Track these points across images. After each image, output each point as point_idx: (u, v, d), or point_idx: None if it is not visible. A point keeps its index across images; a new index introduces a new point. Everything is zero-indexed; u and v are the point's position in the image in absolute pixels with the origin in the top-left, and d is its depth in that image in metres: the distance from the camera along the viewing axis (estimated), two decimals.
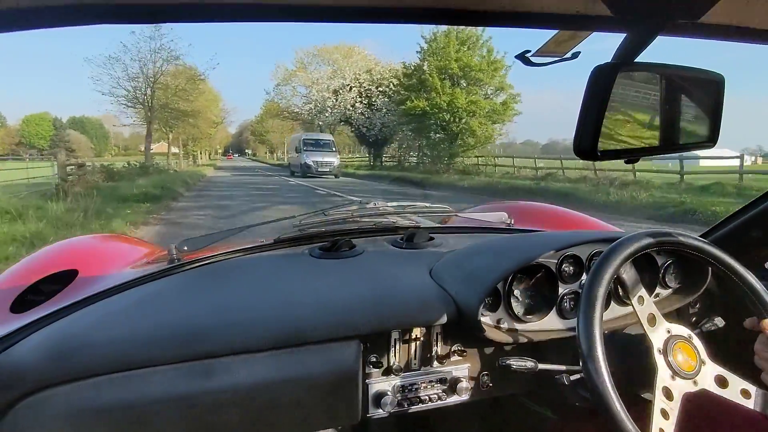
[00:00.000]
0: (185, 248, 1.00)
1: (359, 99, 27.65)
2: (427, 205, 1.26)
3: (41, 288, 0.96)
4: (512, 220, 1.29)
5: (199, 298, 0.86)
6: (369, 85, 27.64)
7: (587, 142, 0.54)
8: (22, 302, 0.91)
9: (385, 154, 30.30)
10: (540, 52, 0.66)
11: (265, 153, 72.87)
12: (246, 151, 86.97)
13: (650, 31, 0.51)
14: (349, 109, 27.95)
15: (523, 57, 0.60)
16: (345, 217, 1.17)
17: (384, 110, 26.59)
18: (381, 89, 27.04)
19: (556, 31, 0.62)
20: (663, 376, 0.69)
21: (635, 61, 0.54)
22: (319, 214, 1.16)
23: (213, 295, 0.87)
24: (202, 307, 0.82)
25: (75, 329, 0.76)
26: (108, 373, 0.70)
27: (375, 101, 27.17)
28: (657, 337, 0.72)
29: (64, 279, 0.98)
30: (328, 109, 28.56)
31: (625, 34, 0.53)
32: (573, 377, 0.81)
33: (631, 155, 0.61)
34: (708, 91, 0.63)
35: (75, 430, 0.68)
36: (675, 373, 0.70)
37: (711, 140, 0.64)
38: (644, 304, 0.75)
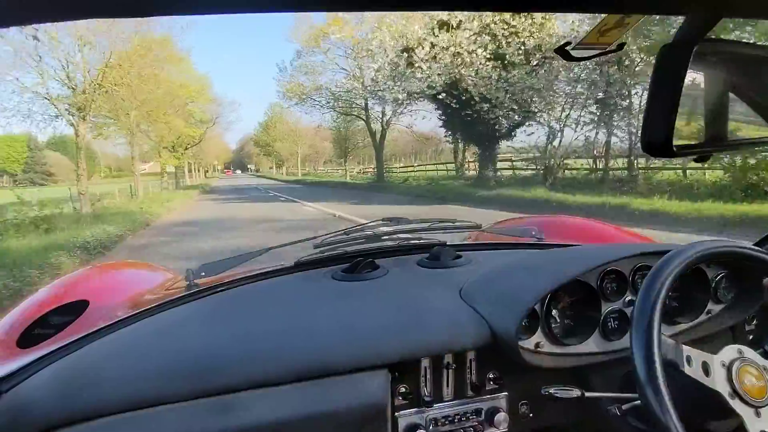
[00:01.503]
0: (202, 274, 0.97)
1: (480, 46, 12.75)
2: (453, 220, 1.24)
3: (50, 321, 0.92)
4: (543, 235, 1.26)
5: (216, 327, 0.82)
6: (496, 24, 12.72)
7: (659, 136, 0.47)
8: (29, 337, 0.87)
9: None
10: (581, 44, 0.61)
11: (270, 167, 67.36)
12: (248, 166, 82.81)
13: (716, 9, 0.44)
14: (458, 65, 12.97)
15: (562, 50, 0.57)
16: (366, 236, 1.13)
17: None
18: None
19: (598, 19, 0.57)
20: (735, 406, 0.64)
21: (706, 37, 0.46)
22: (340, 234, 1.12)
23: (231, 324, 0.83)
24: (220, 337, 0.79)
25: (84, 364, 0.72)
26: (119, 413, 0.66)
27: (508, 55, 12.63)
28: (718, 357, 0.67)
29: (74, 310, 0.93)
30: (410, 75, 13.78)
31: (685, 16, 0.46)
32: (625, 406, 0.75)
33: (708, 150, 0.55)
34: None
35: None
36: (743, 401, 0.64)
37: None
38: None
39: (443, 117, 16.50)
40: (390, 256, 1.13)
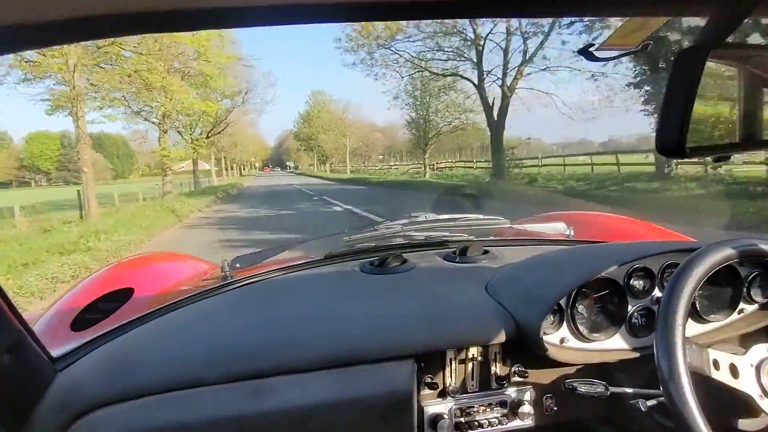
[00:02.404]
0: (237, 265, 1.02)
1: None
2: (480, 216, 1.26)
3: (99, 306, 0.99)
4: (571, 231, 1.27)
5: (249, 316, 0.87)
6: None
7: (672, 138, 0.49)
8: (81, 321, 0.94)
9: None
10: (605, 46, 0.62)
11: (311, 165, 61.74)
12: (287, 163, 78.66)
13: (742, 8, 0.45)
14: None
15: (586, 51, 0.57)
16: (395, 232, 1.17)
17: None
18: None
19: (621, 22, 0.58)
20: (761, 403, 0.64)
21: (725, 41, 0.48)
22: (370, 229, 1.16)
23: (264, 313, 0.87)
24: (254, 325, 0.83)
25: (130, 347, 0.78)
26: (161, 393, 0.71)
27: None
28: (746, 358, 0.68)
29: (121, 297, 1.00)
30: None
31: (708, 17, 0.48)
32: (650, 402, 0.76)
33: (722, 151, 0.56)
34: None
35: None
36: None
37: None
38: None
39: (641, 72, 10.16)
40: (418, 251, 1.16)
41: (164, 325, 0.84)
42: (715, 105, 0.54)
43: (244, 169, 60.61)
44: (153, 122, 17.02)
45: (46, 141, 58.96)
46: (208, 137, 22.65)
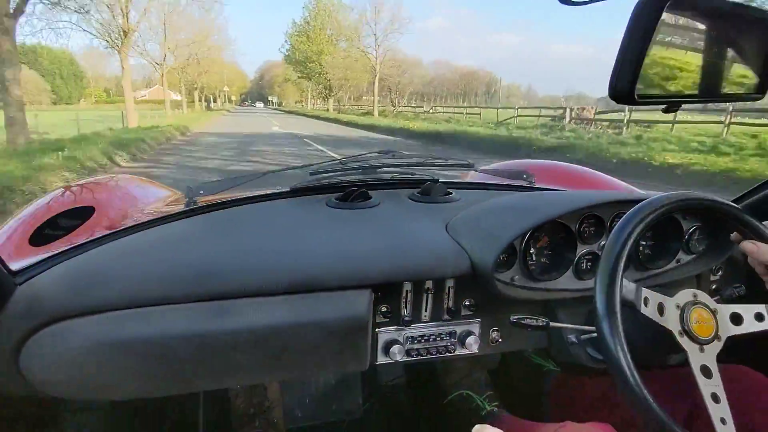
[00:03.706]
0: (201, 192, 1.01)
1: None
2: (447, 159, 1.28)
3: (59, 223, 0.98)
4: (533, 179, 1.31)
5: (215, 241, 0.88)
6: None
7: (624, 85, 0.51)
8: (41, 236, 0.93)
9: None
10: None
11: (299, 102, 46.03)
12: (269, 98, 67.15)
13: None
14: None
15: None
16: (362, 167, 1.18)
17: None
18: None
19: None
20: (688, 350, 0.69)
21: None
22: (336, 164, 1.17)
23: (229, 239, 0.89)
24: (218, 250, 0.85)
25: (93, 264, 0.79)
26: (126, 308, 0.73)
27: None
28: (673, 300, 0.72)
29: (82, 215, 1.00)
30: None
31: None
32: (584, 336, 0.85)
33: (670, 101, 0.58)
34: (763, 34, 0.58)
35: (96, 361, 0.71)
36: (691, 338, 0.70)
37: (759, 92, 0.61)
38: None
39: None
40: (383, 189, 1.19)
41: (128, 245, 0.85)
42: (672, 55, 0.55)
43: (214, 102, 46.43)
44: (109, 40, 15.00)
45: None
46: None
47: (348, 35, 29.17)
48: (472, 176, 1.49)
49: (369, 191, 1.10)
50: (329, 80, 34.04)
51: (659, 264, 0.98)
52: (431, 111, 26.93)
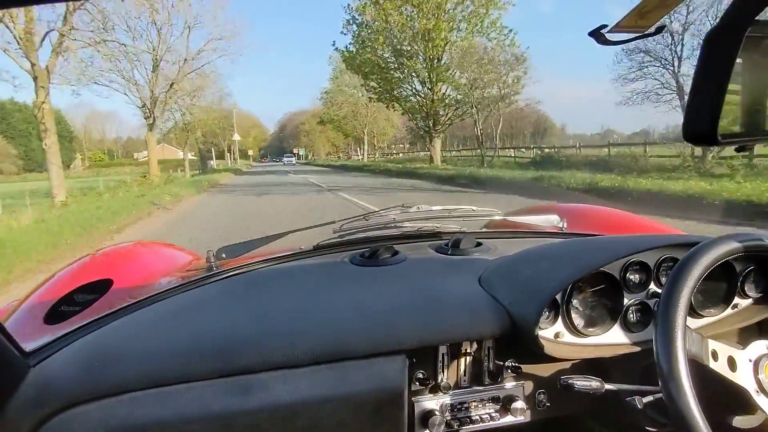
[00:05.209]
0: (223, 255, 1.00)
1: None
2: (473, 208, 1.24)
3: (75, 298, 0.97)
4: (565, 224, 1.27)
5: (236, 309, 0.85)
6: None
7: (703, 124, 0.46)
8: (56, 314, 0.91)
9: None
10: (618, 28, 0.58)
11: (329, 153, 44.19)
12: (294, 151, 58.16)
13: None
14: None
15: (596, 34, 0.55)
16: (386, 222, 1.15)
17: None
18: None
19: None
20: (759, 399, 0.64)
21: (757, 19, 0.44)
22: (360, 219, 1.14)
23: (251, 305, 0.86)
24: (240, 318, 0.81)
25: (108, 341, 0.76)
26: (141, 389, 0.69)
27: None
28: (745, 353, 0.67)
29: (99, 289, 0.98)
30: None
31: None
32: (646, 399, 0.76)
33: (754, 139, 0.54)
34: None
35: None
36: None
37: None
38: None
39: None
40: (409, 243, 1.15)
41: (145, 318, 0.82)
42: (750, 89, 0.50)
43: (219, 159, 36.94)
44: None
45: None
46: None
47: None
48: (500, 224, 1.45)
49: (395, 246, 1.06)
50: (356, 131, 32.52)
51: (714, 311, 0.90)
52: (497, 156, 22.63)
